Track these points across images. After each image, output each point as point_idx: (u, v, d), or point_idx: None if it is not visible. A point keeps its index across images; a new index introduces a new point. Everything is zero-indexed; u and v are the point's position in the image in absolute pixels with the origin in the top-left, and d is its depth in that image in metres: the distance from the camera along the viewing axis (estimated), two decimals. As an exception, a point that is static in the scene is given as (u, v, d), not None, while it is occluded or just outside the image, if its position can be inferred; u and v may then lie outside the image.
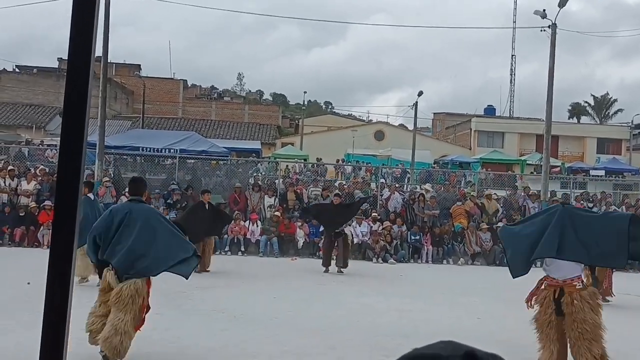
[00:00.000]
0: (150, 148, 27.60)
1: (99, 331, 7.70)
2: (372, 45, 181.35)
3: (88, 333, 7.87)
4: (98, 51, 25.07)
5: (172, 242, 8.01)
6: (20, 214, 21.38)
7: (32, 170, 23.91)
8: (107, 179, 23.62)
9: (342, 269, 17.93)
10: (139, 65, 75.96)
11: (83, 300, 8.16)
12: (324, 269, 17.92)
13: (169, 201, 23.12)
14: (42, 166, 24.89)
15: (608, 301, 14.02)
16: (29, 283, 12.41)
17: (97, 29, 1.47)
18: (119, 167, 26.82)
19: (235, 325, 10.35)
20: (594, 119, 77.85)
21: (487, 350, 1.28)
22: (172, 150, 27.17)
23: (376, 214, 23.53)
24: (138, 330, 7.91)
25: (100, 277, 8.27)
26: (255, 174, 30.32)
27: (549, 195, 25.77)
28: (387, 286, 16.18)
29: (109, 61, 26.70)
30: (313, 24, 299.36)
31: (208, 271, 16.65)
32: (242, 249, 21.60)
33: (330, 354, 8.95)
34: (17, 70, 58.54)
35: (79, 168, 1.45)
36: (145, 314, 8.00)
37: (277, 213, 22.62)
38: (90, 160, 25.86)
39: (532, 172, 43.44)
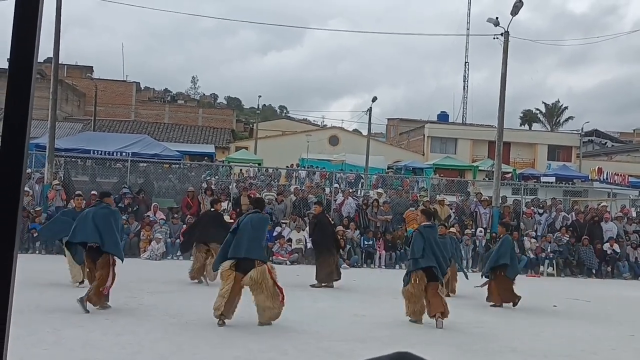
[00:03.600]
0: (101, 151, 27.33)
1: (220, 308, 10.57)
2: (328, 51, 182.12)
3: (216, 310, 10.64)
4: (49, 52, 24.81)
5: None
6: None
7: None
8: (57, 182, 23.25)
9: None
10: (91, 67, 75.26)
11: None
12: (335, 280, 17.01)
13: (120, 205, 22.79)
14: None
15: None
16: None
17: (40, 29, 1.42)
18: (69, 170, 26.37)
19: (187, 330, 10.25)
20: (545, 126, 79.12)
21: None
22: (123, 154, 26.89)
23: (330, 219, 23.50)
24: (282, 303, 10.96)
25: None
26: (208, 178, 30.13)
27: (500, 202, 26.07)
28: (341, 291, 16.21)
29: (60, 62, 26.29)
30: (270, 27, 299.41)
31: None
32: (195, 253, 21.33)
33: (283, 359, 8.91)
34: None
35: (20, 172, 1.40)
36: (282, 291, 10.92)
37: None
38: (40, 163, 25.44)
39: (484, 178, 43.93)
